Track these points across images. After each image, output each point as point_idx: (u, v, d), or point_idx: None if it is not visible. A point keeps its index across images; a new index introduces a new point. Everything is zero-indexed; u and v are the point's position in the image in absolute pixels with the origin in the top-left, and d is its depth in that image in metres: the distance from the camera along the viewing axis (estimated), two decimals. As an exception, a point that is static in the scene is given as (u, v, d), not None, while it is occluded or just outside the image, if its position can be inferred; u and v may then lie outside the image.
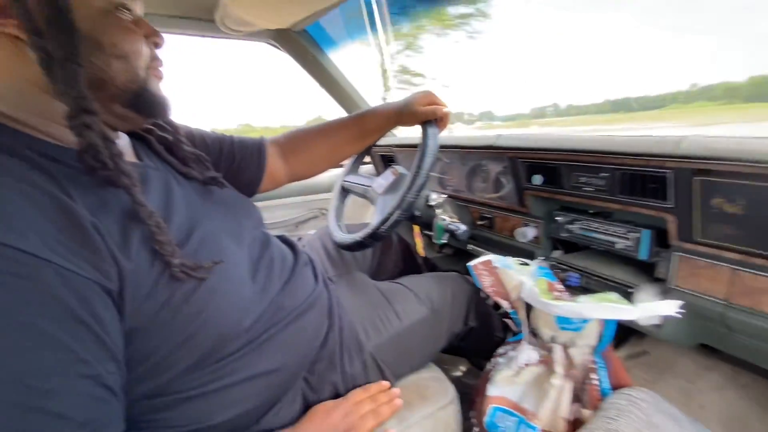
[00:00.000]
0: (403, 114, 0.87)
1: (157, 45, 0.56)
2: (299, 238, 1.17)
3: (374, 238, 0.82)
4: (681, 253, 0.74)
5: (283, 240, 0.86)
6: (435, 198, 1.15)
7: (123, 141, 0.60)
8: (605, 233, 0.87)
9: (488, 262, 0.69)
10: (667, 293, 0.79)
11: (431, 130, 0.81)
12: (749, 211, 0.61)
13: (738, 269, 0.67)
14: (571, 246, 1.07)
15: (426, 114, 0.84)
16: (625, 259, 0.92)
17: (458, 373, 1.28)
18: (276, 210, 1.55)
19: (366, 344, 0.79)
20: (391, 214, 0.77)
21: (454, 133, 1.44)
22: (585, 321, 0.60)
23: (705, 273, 0.71)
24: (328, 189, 1.57)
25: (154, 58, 0.56)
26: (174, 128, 0.67)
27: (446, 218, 1.11)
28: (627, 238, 0.83)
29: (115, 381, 0.44)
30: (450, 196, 1.30)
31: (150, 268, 0.48)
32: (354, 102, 1.49)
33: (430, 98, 0.85)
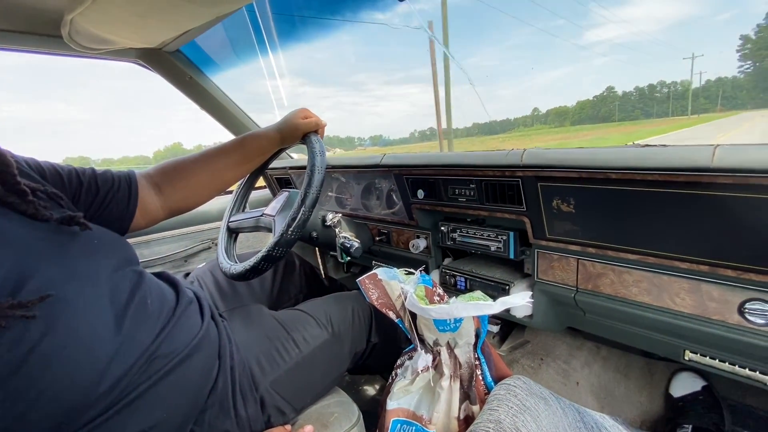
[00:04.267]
0: (283, 131, 0.88)
1: None
2: (187, 274, 1.07)
3: (283, 245, 0.78)
4: (539, 250, 0.85)
5: (164, 278, 0.77)
6: (331, 218, 1.15)
7: None
8: (481, 238, 0.96)
9: (374, 275, 0.70)
10: (533, 286, 0.90)
11: (315, 138, 0.84)
12: (578, 209, 0.73)
13: (580, 259, 0.79)
14: (459, 253, 1.17)
15: (308, 126, 0.87)
16: (501, 260, 1.03)
17: (371, 391, 1.27)
18: (161, 244, 1.39)
19: (261, 381, 0.73)
20: (297, 214, 0.74)
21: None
22: (458, 320, 0.65)
23: (558, 265, 0.83)
24: (218, 218, 1.47)
25: None
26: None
27: (344, 236, 1.12)
28: (498, 241, 0.93)
29: None
30: (348, 215, 1.32)
31: None
32: (243, 125, 1.44)
33: (306, 113, 0.88)
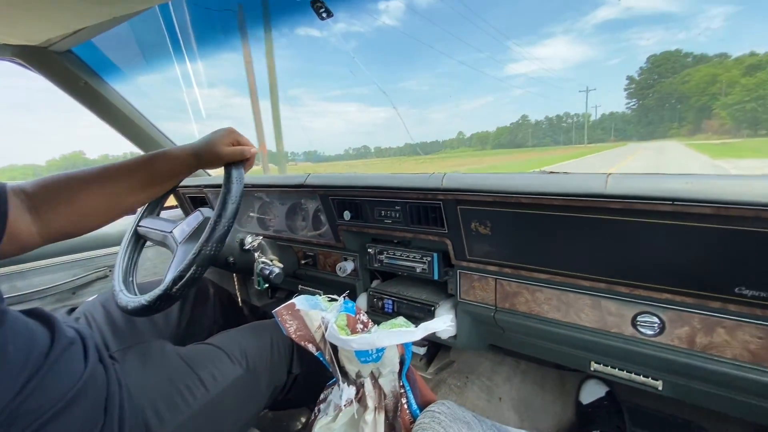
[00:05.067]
0: (202, 156, 0.76)
1: None
2: (71, 309, 0.91)
3: (165, 300, 0.69)
4: (460, 270, 0.87)
5: (35, 315, 0.63)
6: (250, 241, 1.07)
7: None
8: (407, 260, 0.96)
9: (291, 305, 0.65)
10: (456, 306, 0.91)
11: (236, 173, 0.73)
12: (494, 231, 0.76)
13: (497, 278, 0.82)
14: (388, 274, 1.15)
15: (232, 155, 0.74)
16: (427, 281, 1.04)
17: (296, 426, 1.18)
18: (41, 274, 1.18)
19: (158, 430, 0.63)
20: (185, 271, 0.66)
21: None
22: (381, 350, 0.62)
23: (478, 285, 0.85)
24: (117, 241, 1.29)
25: None
26: None
27: (264, 261, 1.04)
28: (423, 262, 0.93)
29: None
30: (271, 237, 1.24)
31: None
32: (152, 139, 1.30)
33: (234, 137, 0.76)
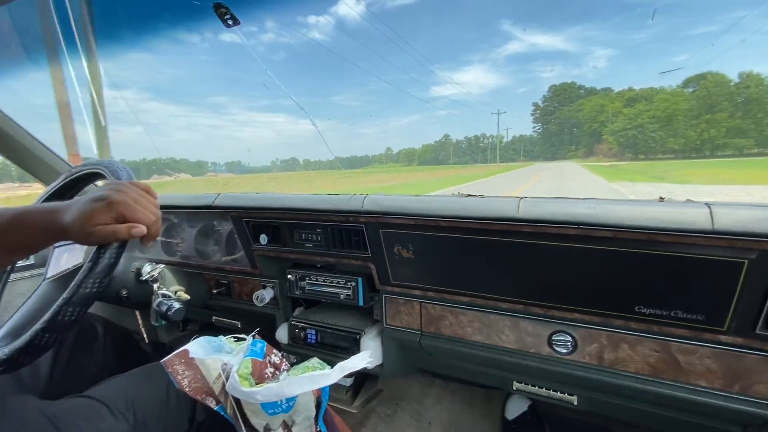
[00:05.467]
0: (70, 233, 0.54)
1: None
2: None
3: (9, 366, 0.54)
4: (386, 295, 0.83)
5: None
6: (149, 271, 0.93)
7: None
8: (331, 285, 0.90)
9: (185, 353, 0.55)
10: (382, 332, 0.87)
11: (101, 264, 0.52)
12: (416, 255, 0.74)
13: (422, 302, 0.79)
14: (311, 302, 1.08)
15: (105, 238, 0.53)
16: (352, 308, 0.99)
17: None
18: None
19: None
20: (15, 352, 0.50)
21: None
22: (292, 398, 0.55)
23: (404, 309, 0.82)
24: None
25: None
26: None
27: (163, 293, 0.90)
28: (348, 288, 0.88)
29: None
30: (178, 264, 1.10)
31: None
32: (25, 149, 1.08)
33: (117, 211, 0.52)
